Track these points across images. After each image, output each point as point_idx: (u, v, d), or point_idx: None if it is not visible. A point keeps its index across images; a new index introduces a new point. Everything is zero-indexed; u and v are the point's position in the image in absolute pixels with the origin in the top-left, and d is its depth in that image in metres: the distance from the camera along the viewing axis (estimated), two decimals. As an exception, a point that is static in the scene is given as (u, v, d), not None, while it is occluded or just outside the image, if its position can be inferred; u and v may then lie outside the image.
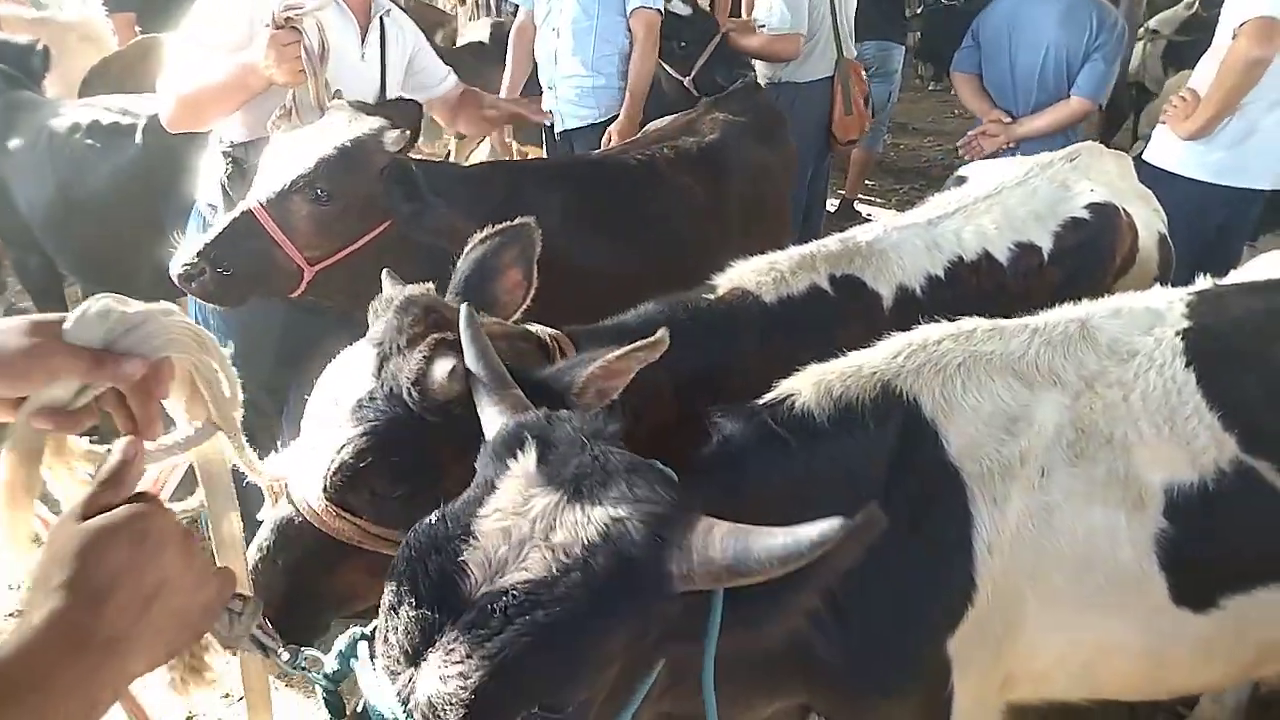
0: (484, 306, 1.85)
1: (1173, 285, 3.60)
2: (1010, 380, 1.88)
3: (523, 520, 1.21)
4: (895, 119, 9.63)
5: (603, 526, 1.18)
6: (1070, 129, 4.33)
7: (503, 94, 4.47)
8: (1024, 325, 1.97)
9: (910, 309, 2.35)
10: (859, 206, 7.57)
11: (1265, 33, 3.49)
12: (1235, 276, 2.33)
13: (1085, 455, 1.86)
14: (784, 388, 1.82)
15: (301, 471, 1.64)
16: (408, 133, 2.62)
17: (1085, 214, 2.61)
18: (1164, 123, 4.02)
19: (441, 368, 1.54)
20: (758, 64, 5.08)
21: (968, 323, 1.96)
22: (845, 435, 1.75)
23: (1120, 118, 7.07)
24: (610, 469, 1.26)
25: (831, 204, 7.47)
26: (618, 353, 1.56)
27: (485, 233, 1.91)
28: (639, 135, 3.85)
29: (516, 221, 1.93)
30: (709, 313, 2.17)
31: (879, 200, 7.88)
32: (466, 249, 1.91)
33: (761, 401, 1.81)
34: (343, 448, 1.59)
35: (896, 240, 2.44)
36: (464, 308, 1.63)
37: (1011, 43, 4.24)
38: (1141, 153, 4.73)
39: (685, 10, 4.66)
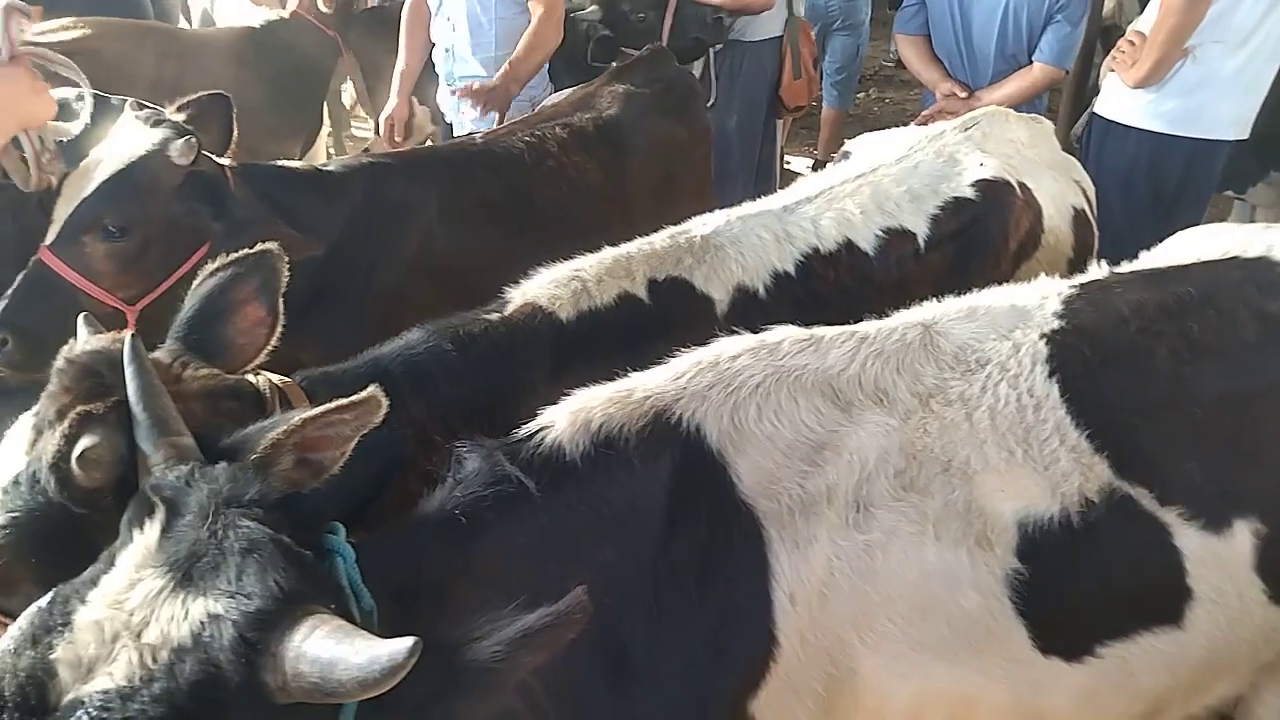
0: (211, 352, 1.56)
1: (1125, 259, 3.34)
2: (818, 402, 1.56)
3: (120, 611, 1.07)
4: (879, 70, 9.19)
5: (196, 625, 1.04)
6: (1035, 99, 3.95)
7: (394, 82, 4.15)
8: (850, 334, 1.65)
9: (751, 314, 2.03)
10: None
11: None
12: (1143, 261, 1.98)
13: (915, 486, 1.55)
14: (540, 419, 1.51)
15: None
16: (194, 140, 2.29)
17: (970, 193, 2.26)
18: (1112, 70, 3.64)
19: (79, 449, 1.26)
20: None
21: (778, 333, 1.64)
22: (602, 477, 1.44)
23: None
24: (226, 548, 1.09)
25: (805, 165, 7.11)
26: (310, 414, 1.25)
27: (217, 263, 1.61)
28: (529, 114, 3.51)
29: (257, 249, 1.62)
30: (487, 338, 1.85)
31: (864, 160, 7.48)
32: (195, 283, 1.61)
33: (509, 437, 1.50)
34: None
35: (738, 232, 2.11)
36: (129, 340, 1.34)
37: (961, 3, 3.83)
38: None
39: None
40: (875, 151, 2.47)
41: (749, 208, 2.22)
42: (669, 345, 1.94)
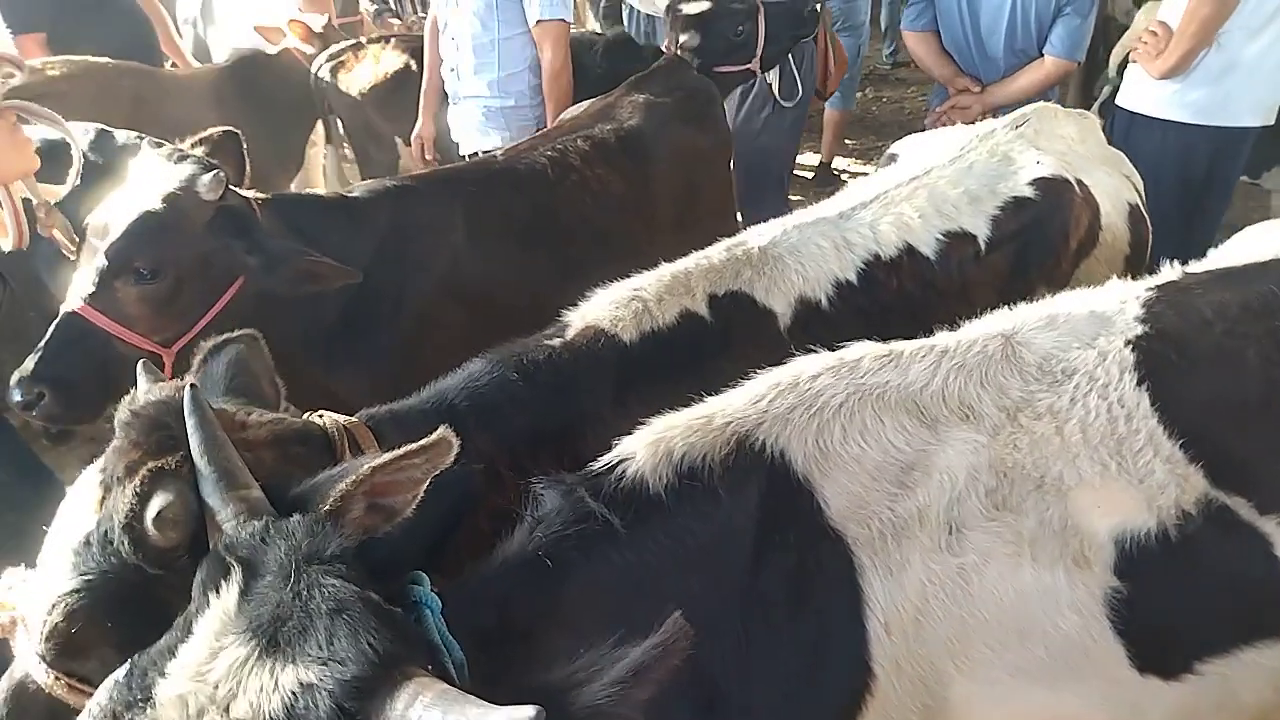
0: (259, 402, 1.52)
1: (1156, 252, 3.26)
2: (904, 420, 1.50)
3: (204, 684, 1.02)
4: (875, 70, 9.11)
5: (288, 696, 0.98)
6: (1049, 92, 3.88)
7: (421, 100, 4.10)
8: (929, 347, 1.59)
9: (815, 326, 1.98)
10: (840, 166, 7.10)
11: None
12: (1211, 260, 1.92)
13: (1008, 505, 1.49)
14: (618, 450, 1.46)
15: (29, 626, 1.33)
16: (222, 174, 2.24)
17: (1029, 191, 2.20)
18: (1135, 62, 3.58)
19: (153, 509, 1.21)
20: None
21: (856, 350, 1.59)
22: (688, 509, 1.39)
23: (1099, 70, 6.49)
24: (313, 610, 1.03)
25: (809, 166, 7.04)
26: (380, 460, 1.20)
27: (210, 343, 1.57)
28: (549, 128, 3.47)
29: (237, 333, 1.59)
30: (551, 366, 1.80)
31: (859, 162, 7.39)
32: (195, 363, 1.56)
33: (587, 471, 1.45)
34: (53, 608, 1.27)
35: (796, 241, 2.05)
36: (188, 391, 1.29)
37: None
38: (1107, 98, 4.29)
39: (703, 5, 3.88)
40: (924, 153, 2.41)
41: (802, 216, 2.17)
42: (733, 362, 1.89)
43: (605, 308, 1.88)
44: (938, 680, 1.49)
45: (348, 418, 1.56)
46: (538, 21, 3.59)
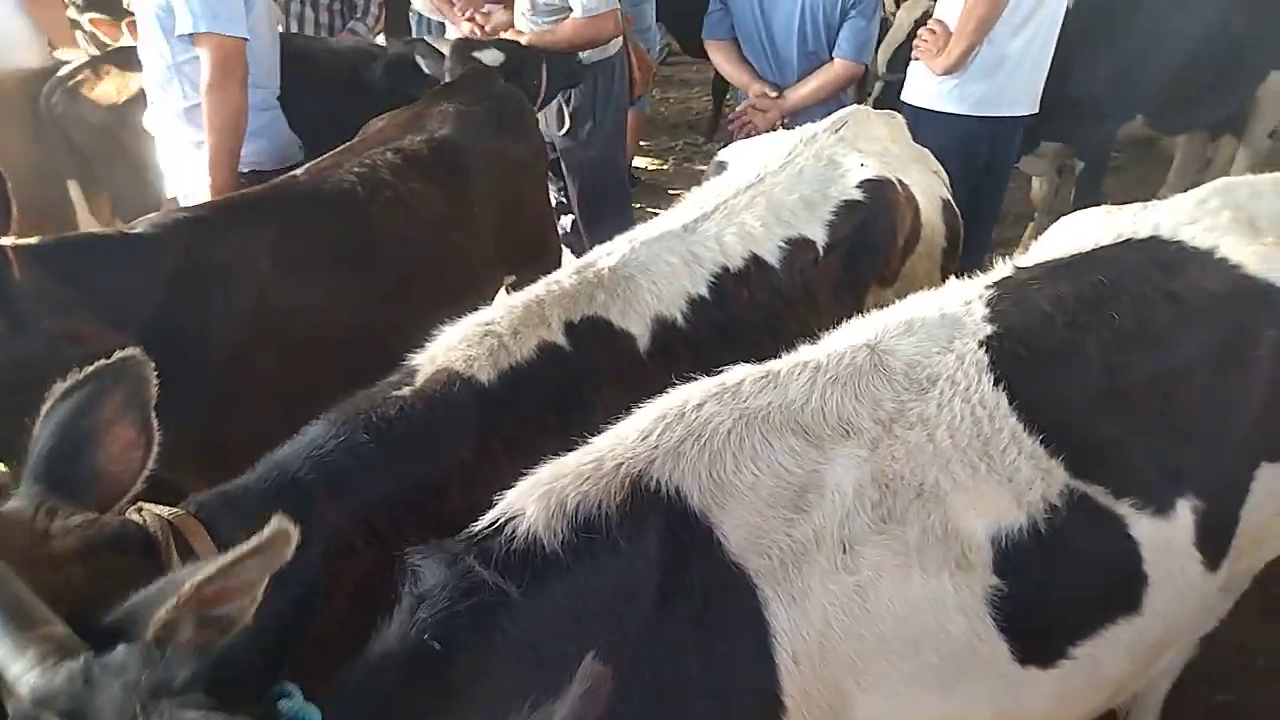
0: (80, 490, 1.25)
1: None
2: (791, 441, 1.47)
3: None
4: (660, 72, 9.27)
5: None
6: (841, 94, 4.06)
7: None
8: (802, 364, 1.57)
9: (674, 345, 1.93)
10: (639, 165, 7.18)
11: None
12: (1036, 252, 2.02)
13: (893, 516, 1.50)
14: (504, 506, 1.33)
15: None
16: None
17: (858, 194, 2.25)
18: (917, 59, 3.80)
19: None
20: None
21: (734, 373, 1.54)
22: (588, 565, 1.29)
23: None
24: None
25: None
26: (204, 575, 1.00)
27: (68, 382, 1.29)
28: (354, 141, 3.21)
29: (115, 357, 1.32)
30: (405, 420, 1.62)
31: (657, 161, 7.53)
32: (45, 410, 1.28)
33: (472, 533, 1.31)
34: None
35: (645, 259, 1.98)
36: None
37: (762, 5, 3.87)
38: (879, 94, 4.56)
39: (497, 58, 3.80)
40: (752, 159, 2.41)
41: (647, 231, 2.10)
42: (598, 392, 1.81)
43: (457, 347, 1.73)
44: (842, 701, 1.47)
45: (173, 510, 1.32)
46: (190, 35, 3.01)
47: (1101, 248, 1.87)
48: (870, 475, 1.50)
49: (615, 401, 1.80)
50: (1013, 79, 3.67)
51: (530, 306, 1.82)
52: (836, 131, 2.44)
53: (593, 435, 1.52)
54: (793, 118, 3.86)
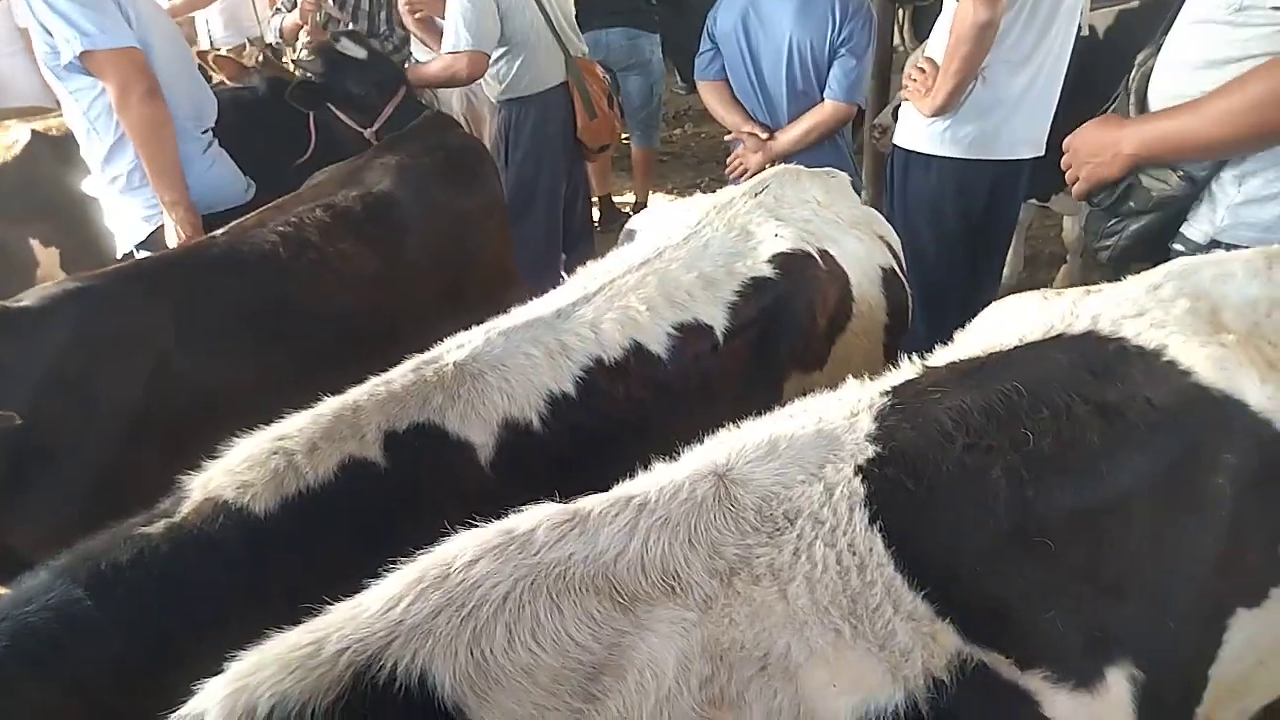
0: None
1: (945, 292, 3.11)
2: (591, 605, 1.18)
3: None
4: (695, 106, 9.06)
5: None
6: (836, 135, 3.80)
7: None
8: (624, 501, 1.28)
9: (526, 455, 1.65)
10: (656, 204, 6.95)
11: None
12: (957, 345, 1.70)
13: (727, 698, 1.19)
14: (189, 707, 1.06)
15: None
16: None
17: (768, 270, 1.96)
18: (905, 99, 3.52)
19: None
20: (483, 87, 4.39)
21: (529, 517, 1.25)
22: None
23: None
24: None
25: (626, 204, 6.85)
26: None
27: None
28: (287, 197, 3.02)
29: None
30: (141, 569, 1.36)
31: (680, 196, 7.26)
32: None
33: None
34: None
35: (500, 353, 1.71)
36: None
37: (750, 43, 3.67)
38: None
39: (360, 53, 3.87)
40: (661, 229, 2.13)
41: (514, 317, 1.83)
42: (423, 517, 1.54)
43: (235, 469, 1.47)
44: None
45: None
46: (78, 63, 2.78)
47: (1024, 346, 1.55)
48: (699, 645, 1.20)
49: (443, 526, 1.54)
50: (1010, 121, 3.37)
51: (342, 415, 1.56)
52: (755, 196, 2.16)
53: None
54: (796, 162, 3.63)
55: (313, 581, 1.43)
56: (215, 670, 1.15)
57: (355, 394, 1.63)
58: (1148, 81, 2.26)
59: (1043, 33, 3.33)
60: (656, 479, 1.34)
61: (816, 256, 2.02)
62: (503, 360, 1.72)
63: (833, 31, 3.53)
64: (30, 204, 3.77)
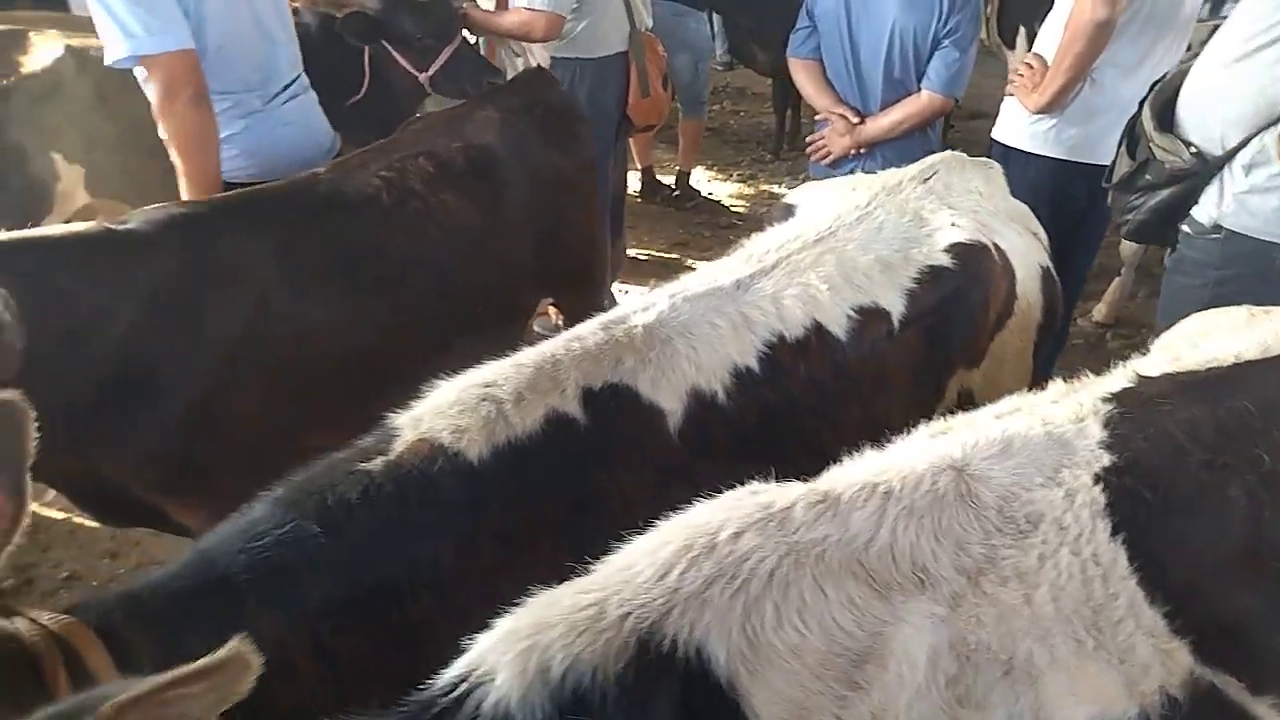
0: None
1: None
2: (853, 589, 1.15)
3: None
4: (733, 84, 8.96)
5: None
6: (927, 128, 3.71)
7: None
8: (870, 488, 1.25)
9: (712, 427, 1.62)
10: (698, 181, 6.85)
11: None
12: (1157, 357, 1.68)
13: (972, 699, 1.17)
14: (470, 661, 1.03)
15: None
16: None
17: (946, 260, 1.92)
18: (1011, 94, 3.48)
19: None
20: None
21: (783, 493, 1.22)
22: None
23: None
24: None
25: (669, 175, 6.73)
26: (135, 693, 0.74)
27: None
28: (386, 140, 2.95)
29: None
30: (368, 506, 1.33)
31: (720, 176, 7.18)
32: None
33: (425, 701, 1.02)
34: None
35: (687, 319, 1.67)
36: None
37: (851, 25, 3.55)
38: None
39: None
40: (824, 206, 2.08)
41: (693, 284, 1.78)
42: (614, 478, 1.51)
43: (446, 412, 1.43)
44: None
45: (57, 617, 1.04)
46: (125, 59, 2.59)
47: (1245, 364, 1.53)
48: (948, 642, 1.18)
49: (634, 492, 1.51)
50: (1117, 127, 3.30)
51: (542, 367, 1.52)
52: (925, 181, 2.11)
53: (603, 535, 1.22)
54: (878, 151, 3.57)
55: (518, 533, 1.41)
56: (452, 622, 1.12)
57: (550, 347, 1.59)
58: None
59: (1156, 40, 3.29)
60: (892, 465, 1.31)
61: (992, 249, 1.98)
62: (690, 328, 1.67)
63: (938, 21, 3.43)
64: (56, 118, 3.60)
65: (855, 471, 1.31)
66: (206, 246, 2.27)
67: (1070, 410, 1.45)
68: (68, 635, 1.02)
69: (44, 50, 3.65)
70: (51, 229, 2.28)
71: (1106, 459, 1.35)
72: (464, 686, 0.99)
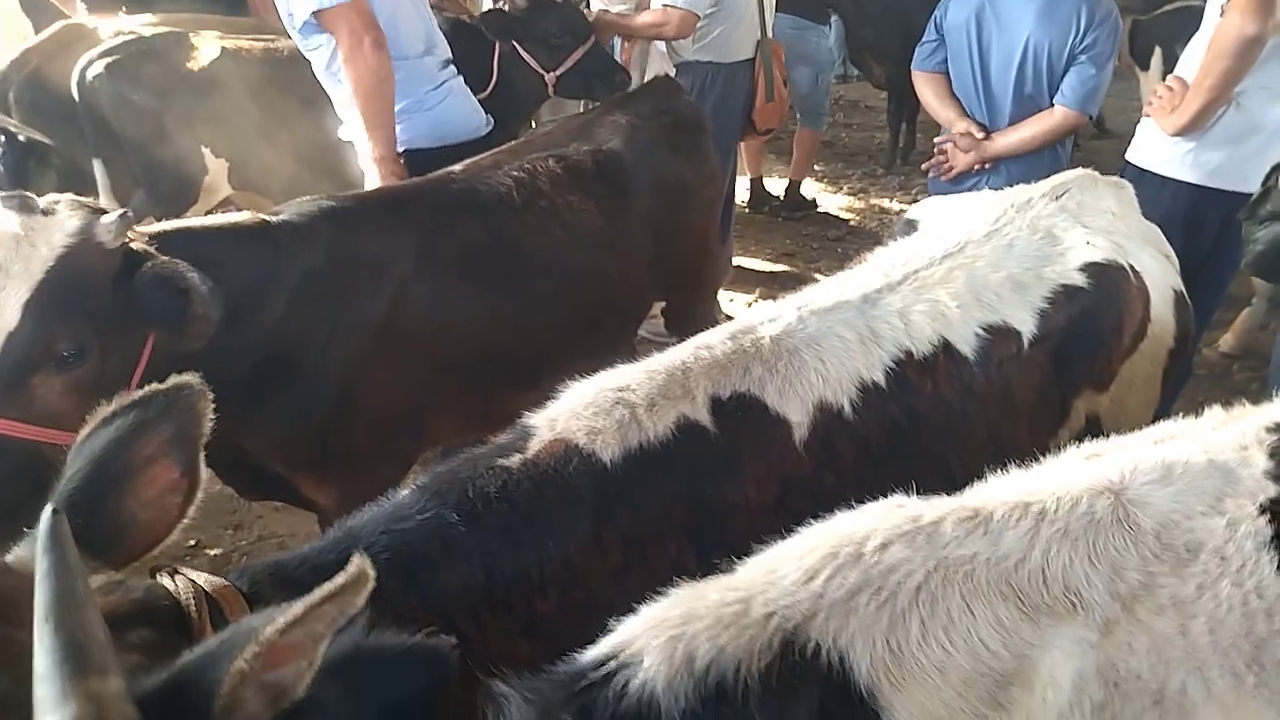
0: (105, 541, 1.02)
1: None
2: (1001, 610, 1.11)
3: None
4: (846, 97, 8.92)
5: None
6: (1058, 145, 3.61)
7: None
8: (1022, 507, 1.21)
9: (838, 440, 1.59)
10: (808, 192, 6.83)
11: (1259, 4, 2.81)
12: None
13: (1122, 729, 1.11)
14: (617, 642, 1.04)
15: None
16: (129, 214, 1.83)
17: (1081, 279, 1.86)
18: (1148, 115, 3.34)
19: None
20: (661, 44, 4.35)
21: (931, 507, 1.19)
22: (717, 749, 0.97)
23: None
24: None
25: (777, 187, 6.73)
26: (294, 614, 0.77)
27: (115, 405, 1.07)
28: (518, 142, 3.02)
29: (171, 382, 1.09)
30: (506, 501, 1.36)
31: (830, 188, 7.15)
32: (80, 436, 1.07)
33: (574, 673, 1.02)
34: None
35: (815, 332, 1.65)
36: (47, 522, 0.81)
37: (981, 39, 3.48)
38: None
39: None
40: (952, 222, 2.04)
41: (819, 297, 1.77)
42: (740, 487, 1.50)
43: (581, 414, 1.44)
44: None
45: (210, 579, 1.08)
46: (314, 23, 2.86)
47: None
48: (1095, 667, 1.13)
49: (759, 502, 1.49)
50: (1265, 153, 3.09)
51: (673, 374, 1.52)
52: (1057, 199, 2.05)
53: (726, 543, 1.21)
54: (1002, 168, 3.49)
55: (645, 536, 1.41)
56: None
57: (679, 354, 1.59)
58: None
59: None
60: (1044, 484, 1.27)
61: (1128, 270, 1.91)
62: (817, 340, 1.66)
63: (1075, 36, 3.34)
64: (208, 115, 3.88)
65: (1005, 490, 1.27)
66: (351, 239, 2.35)
67: (1233, 439, 1.39)
68: (220, 597, 1.06)
69: (203, 51, 3.93)
70: (211, 219, 2.43)
71: (1273, 490, 1.28)
72: (612, 664, 1.00)
